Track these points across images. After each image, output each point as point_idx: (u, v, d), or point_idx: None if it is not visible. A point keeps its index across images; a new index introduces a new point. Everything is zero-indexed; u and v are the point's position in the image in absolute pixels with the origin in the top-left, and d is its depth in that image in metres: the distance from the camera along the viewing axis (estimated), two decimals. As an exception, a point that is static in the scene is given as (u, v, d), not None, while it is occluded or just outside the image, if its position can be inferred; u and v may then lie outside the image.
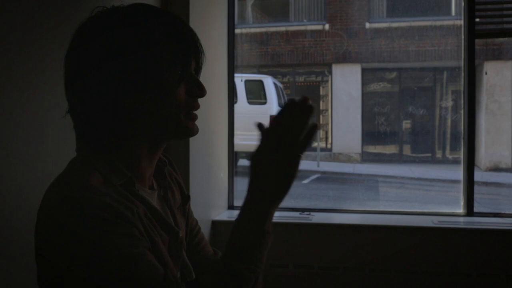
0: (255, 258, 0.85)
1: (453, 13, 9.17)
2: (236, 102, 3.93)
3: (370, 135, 10.05)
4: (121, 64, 0.83)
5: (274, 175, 0.84)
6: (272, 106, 8.10)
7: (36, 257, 0.83)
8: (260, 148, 0.85)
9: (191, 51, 0.89)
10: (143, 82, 0.84)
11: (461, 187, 3.33)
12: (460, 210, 3.32)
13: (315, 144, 10.22)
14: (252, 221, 0.86)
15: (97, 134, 0.87)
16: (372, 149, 10.29)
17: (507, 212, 3.32)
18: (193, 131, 0.92)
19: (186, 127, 0.90)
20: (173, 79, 0.86)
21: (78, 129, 0.89)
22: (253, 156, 0.86)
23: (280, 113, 0.84)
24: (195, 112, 0.92)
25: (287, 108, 0.84)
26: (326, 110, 10.84)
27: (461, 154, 3.35)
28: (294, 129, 0.83)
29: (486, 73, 9.55)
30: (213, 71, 3.18)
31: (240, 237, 0.86)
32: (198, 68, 0.93)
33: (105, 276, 0.76)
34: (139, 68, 0.84)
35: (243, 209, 0.87)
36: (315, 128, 0.83)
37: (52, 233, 0.78)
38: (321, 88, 11.08)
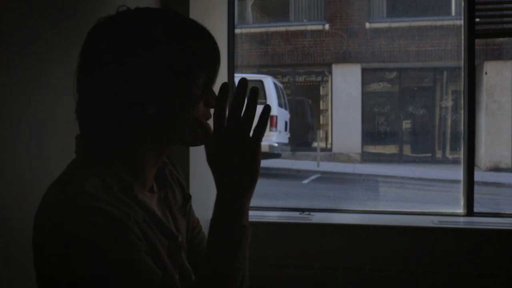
0: (238, 256, 0.83)
1: (453, 13, 9.18)
2: (236, 102, 3.93)
3: (370, 135, 10.06)
4: (136, 66, 0.81)
5: (237, 166, 0.82)
6: (272, 106, 8.09)
7: (34, 260, 0.83)
8: (217, 143, 0.83)
9: (217, 62, 0.89)
10: (167, 92, 0.83)
11: (461, 187, 3.33)
12: (460, 210, 3.33)
13: (315, 144, 10.23)
14: (228, 219, 0.83)
15: (102, 136, 0.86)
16: (372, 149, 10.30)
17: (507, 212, 3.32)
18: (203, 140, 0.91)
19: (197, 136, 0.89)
20: (198, 90, 0.86)
21: (83, 130, 0.88)
22: (210, 153, 0.84)
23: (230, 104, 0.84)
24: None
25: (235, 98, 0.83)
26: (326, 110, 10.86)
27: (461, 154, 3.35)
28: (246, 117, 0.82)
29: (486, 73, 9.56)
30: (213, 71, 3.18)
31: (220, 236, 0.83)
32: (215, 79, 0.93)
33: (102, 281, 0.75)
34: (164, 77, 0.82)
35: (216, 208, 0.85)
36: (267, 110, 0.82)
37: (49, 238, 0.78)
38: (321, 88, 11.09)
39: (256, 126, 0.82)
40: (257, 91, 0.82)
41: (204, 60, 0.86)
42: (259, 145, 0.83)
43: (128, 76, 0.81)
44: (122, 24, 0.84)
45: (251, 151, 0.82)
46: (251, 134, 0.82)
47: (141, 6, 0.89)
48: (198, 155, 2.85)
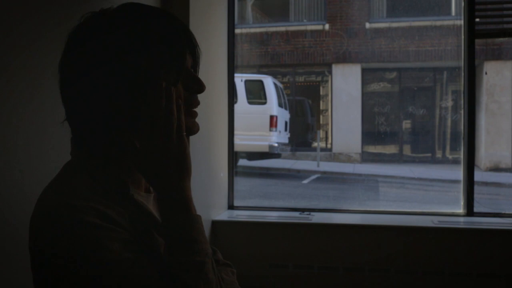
0: (198, 243, 0.82)
1: (453, 13, 9.18)
2: (236, 102, 3.93)
3: (370, 135, 10.05)
4: (114, 66, 0.82)
5: (167, 160, 0.82)
6: (272, 106, 8.10)
7: (31, 262, 0.82)
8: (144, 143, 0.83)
9: (185, 46, 0.87)
10: (139, 83, 0.83)
11: (461, 187, 3.34)
12: (460, 210, 3.33)
13: (315, 144, 10.23)
14: (178, 212, 0.83)
15: (94, 138, 0.86)
16: (372, 149, 10.29)
17: (507, 212, 3.32)
18: (194, 129, 0.90)
19: (187, 126, 0.88)
20: (171, 77, 0.85)
21: (75, 133, 0.88)
22: (138, 155, 0.84)
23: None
24: (195, 109, 0.91)
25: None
26: (326, 110, 10.85)
27: (461, 154, 3.35)
28: (167, 113, 0.82)
29: (486, 73, 9.55)
30: (213, 71, 3.18)
31: (176, 232, 0.82)
32: (195, 64, 0.91)
33: (98, 281, 0.75)
34: (134, 69, 0.82)
35: (163, 208, 0.84)
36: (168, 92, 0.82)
37: (46, 240, 0.78)
38: (321, 88, 11.08)
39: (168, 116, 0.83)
40: (168, 89, 0.82)
41: (172, 47, 0.85)
42: (179, 136, 0.83)
43: (107, 80, 0.82)
44: (94, 29, 0.84)
45: (177, 144, 0.83)
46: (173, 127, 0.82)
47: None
48: (198, 156, 2.85)
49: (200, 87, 0.89)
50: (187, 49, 0.88)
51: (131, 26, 0.84)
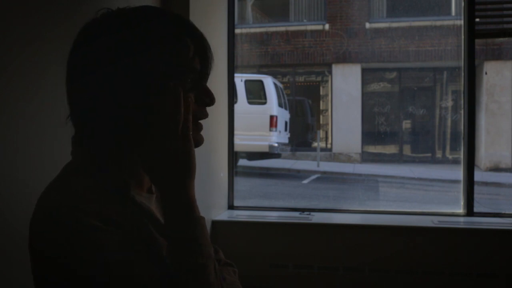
0: (204, 245, 0.81)
1: (453, 13, 9.18)
2: (236, 102, 3.93)
3: (370, 135, 10.05)
4: (124, 66, 0.81)
5: (171, 160, 0.81)
6: (272, 106, 8.10)
7: (32, 263, 0.82)
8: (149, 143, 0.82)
9: (203, 57, 0.87)
10: (151, 88, 0.82)
11: (461, 187, 3.34)
12: (460, 210, 3.33)
13: (315, 144, 10.23)
14: (181, 213, 0.82)
15: (98, 139, 0.86)
16: (372, 149, 10.29)
17: (507, 212, 3.32)
18: (199, 142, 0.90)
19: (194, 139, 0.86)
20: (184, 83, 0.84)
21: (78, 132, 0.88)
22: (144, 156, 0.83)
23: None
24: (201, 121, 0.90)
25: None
26: (326, 110, 10.85)
27: (461, 154, 3.35)
28: (171, 114, 0.81)
29: (486, 73, 9.55)
30: (213, 71, 3.17)
31: (175, 230, 0.81)
32: (206, 75, 0.91)
33: (99, 282, 0.75)
34: (143, 71, 0.82)
35: (167, 208, 0.83)
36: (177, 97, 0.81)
37: (47, 241, 0.78)
38: (321, 88, 11.08)
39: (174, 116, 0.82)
40: (177, 89, 0.81)
41: (190, 57, 0.85)
42: (185, 135, 0.82)
43: (118, 79, 0.81)
44: (110, 26, 0.83)
45: (182, 143, 0.82)
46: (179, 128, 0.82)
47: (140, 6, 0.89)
48: (198, 156, 2.85)
49: (211, 100, 0.89)
50: (203, 60, 0.87)
51: (148, 28, 0.82)
